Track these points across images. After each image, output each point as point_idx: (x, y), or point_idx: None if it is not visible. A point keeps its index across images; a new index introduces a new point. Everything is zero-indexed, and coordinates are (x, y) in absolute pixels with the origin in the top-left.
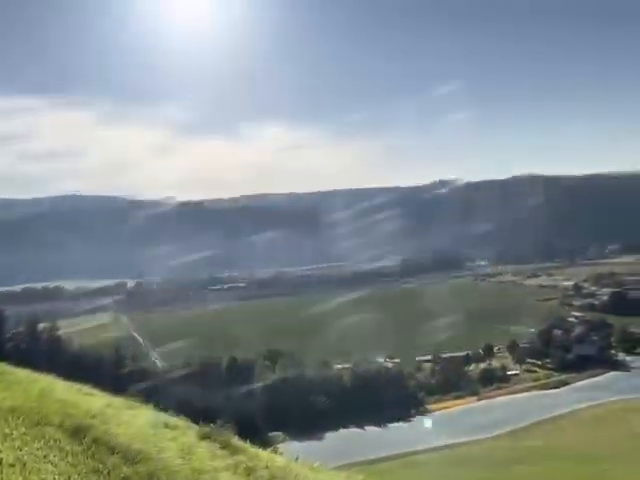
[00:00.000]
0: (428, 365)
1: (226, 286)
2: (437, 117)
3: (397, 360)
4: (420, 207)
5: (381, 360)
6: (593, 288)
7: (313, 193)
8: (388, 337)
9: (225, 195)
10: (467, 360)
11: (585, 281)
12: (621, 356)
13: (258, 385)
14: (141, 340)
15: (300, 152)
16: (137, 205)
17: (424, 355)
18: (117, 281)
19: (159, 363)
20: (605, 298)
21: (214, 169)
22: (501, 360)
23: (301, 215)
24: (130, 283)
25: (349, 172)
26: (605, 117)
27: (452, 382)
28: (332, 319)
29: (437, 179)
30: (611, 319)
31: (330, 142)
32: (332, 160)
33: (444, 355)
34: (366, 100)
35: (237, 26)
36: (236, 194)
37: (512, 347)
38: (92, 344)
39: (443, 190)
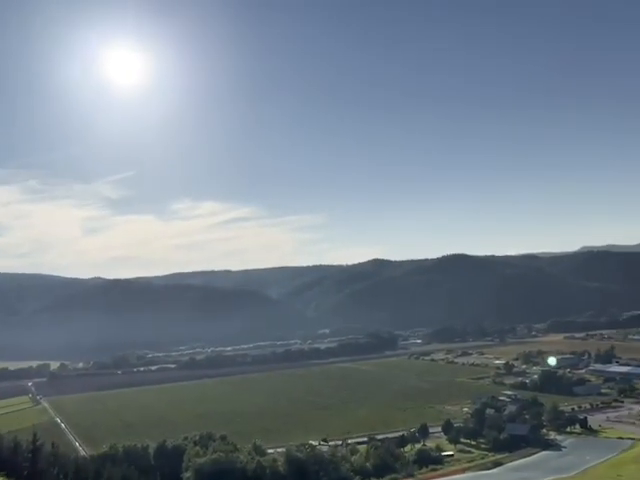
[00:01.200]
0: (363, 447)
1: (154, 367)
2: (371, 194)
3: (331, 443)
4: (357, 286)
5: (315, 443)
6: (523, 366)
7: (248, 271)
8: (322, 417)
9: (155, 273)
10: (402, 441)
11: (516, 359)
12: (552, 435)
13: (187, 473)
14: (63, 425)
15: (234, 229)
16: (62, 283)
17: (359, 436)
18: (40, 363)
19: (82, 449)
20: (535, 377)
21: (143, 247)
22: (436, 440)
23: (237, 293)
24: (53, 365)
25: (284, 250)
26: (538, 198)
27: (387, 464)
28: (267, 400)
29: (374, 258)
30: (542, 397)
31: (264, 219)
32: (266, 238)
33: (379, 436)
34: (301, 178)
35: (170, 105)
36: (167, 272)
37: (447, 427)
38: (10, 430)
39: (380, 269)
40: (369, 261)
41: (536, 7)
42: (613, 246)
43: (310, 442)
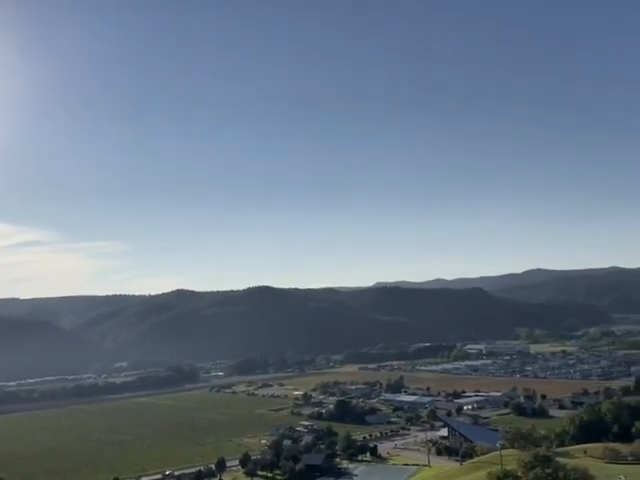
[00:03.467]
0: None
1: None
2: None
3: None
4: (159, 317)
5: None
6: (321, 397)
7: (38, 299)
8: (115, 455)
9: None
10: (199, 476)
11: (314, 390)
12: (345, 463)
13: None
14: None
15: (24, 254)
16: None
17: (154, 473)
18: None
19: None
20: (331, 407)
21: None
22: (234, 474)
23: (25, 323)
24: None
25: (80, 277)
26: (334, 234)
27: None
28: (54, 438)
29: (178, 288)
30: (337, 427)
31: (59, 244)
32: (60, 264)
33: (176, 472)
34: (101, 202)
35: None
36: None
37: (244, 460)
38: None
39: (184, 300)
40: (173, 291)
41: None
42: (403, 282)
43: None
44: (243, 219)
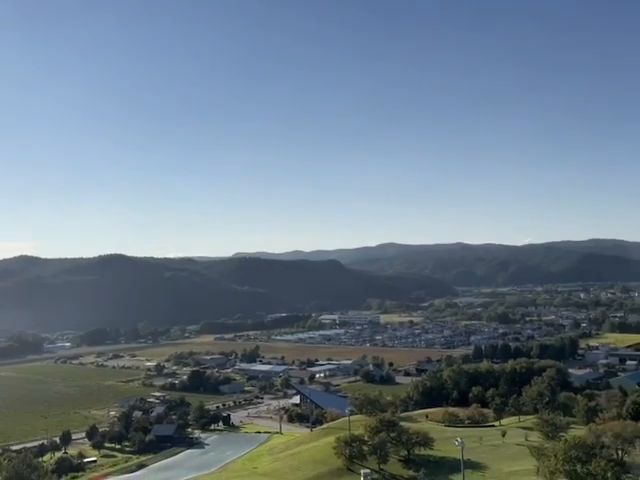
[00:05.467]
0: None
1: None
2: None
3: None
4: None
5: None
6: (174, 367)
7: None
8: None
9: None
10: (42, 450)
11: (167, 361)
12: (197, 433)
13: None
14: None
15: None
16: None
17: None
18: None
19: None
20: (185, 377)
21: None
22: (80, 447)
23: None
24: None
25: None
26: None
27: (23, 476)
28: None
29: (22, 254)
30: (190, 397)
31: None
32: None
33: (16, 447)
34: None
35: None
36: None
37: (91, 432)
38: None
39: (29, 267)
40: (16, 258)
41: None
42: (263, 253)
43: None
44: (94, 185)
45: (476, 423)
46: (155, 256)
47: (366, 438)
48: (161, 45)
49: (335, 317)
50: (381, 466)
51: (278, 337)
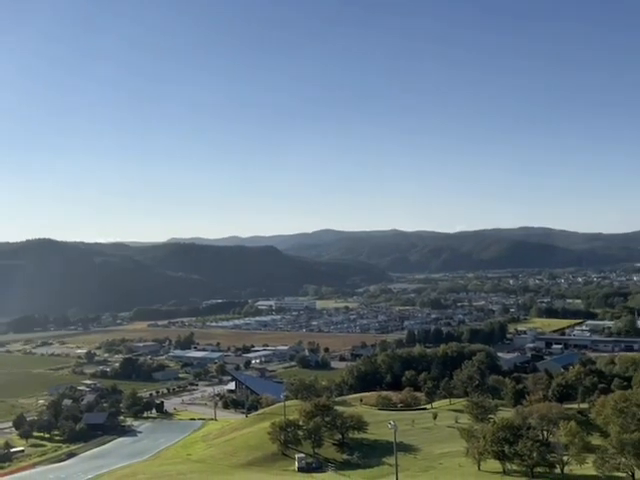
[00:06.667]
0: None
1: None
2: None
3: None
4: None
5: None
6: (106, 355)
7: None
8: None
9: None
10: None
11: (98, 348)
12: (129, 421)
13: None
14: None
15: None
16: None
17: None
18: None
19: None
20: (117, 365)
21: None
22: (6, 437)
23: None
24: None
25: None
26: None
27: None
28: None
29: None
30: (122, 385)
31: None
32: None
33: None
34: None
35: None
36: None
37: (18, 421)
38: None
39: None
40: None
41: None
42: (198, 239)
43: None
44: (21, 168)
45: (409, 406)
46: (86, 241)
47: (301, 423)
48: None
49: (271, 303)
50: (315, 450)
51: (213, 324)
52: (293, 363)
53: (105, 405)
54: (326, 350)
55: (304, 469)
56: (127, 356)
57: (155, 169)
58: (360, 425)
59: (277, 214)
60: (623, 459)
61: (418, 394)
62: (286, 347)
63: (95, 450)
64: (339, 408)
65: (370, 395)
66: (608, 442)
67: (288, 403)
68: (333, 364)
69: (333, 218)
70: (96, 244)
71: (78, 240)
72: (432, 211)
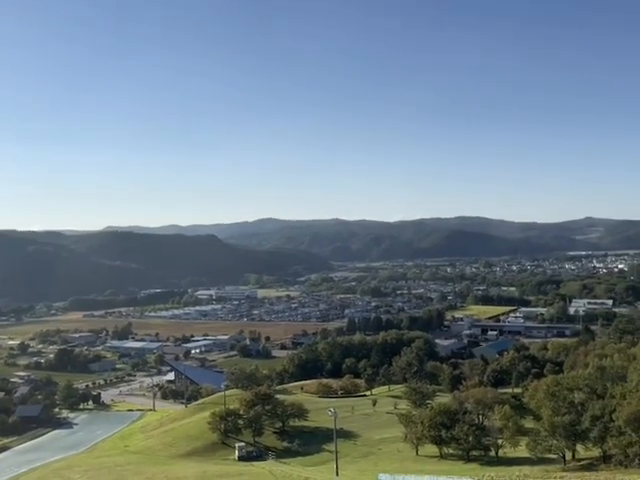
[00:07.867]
0: None
1: None
2: None
3: None
4: None
5: None
6: (40, 346)
7: None
8: None
9: None
10: None
11: (32, 339)
12: (65, 413)
13: None
14: None
15: None
16: None
17: None
18: None
19: None
20: (51, 356)
21: None
22: None
23: None
24: None
25: None
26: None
27: None
28: None
29: None
30: (57, 377)
31: None
32: None
33: None
34: None
35: None
36: None
37: None
38: None
39: None
40: None
41: None
42: (137, 227)
43: None
44: None
45: (349, 393)
46: (18, 229)
47: (241, 412)
48: None
49: (212, 293)
50: (256, 439)
51: (152, 314)
52: (234, 352)
53: (39, 397)
54: (267, 339)
55: (244, 458)
56: (62, 347)
57: (92, 157)
58: (300, 413)
59: (217, 203)
60: (555, 441)
61: (358, 381)
62: (227, 336)
63: (29, 443)
64: (280, 396)
65: (311, 383)
66: (540, 425)
67: (229, 393)
68: (274, 353)
69: (275, 207)
70: (29, 232)
71: (10, 228)
72: (374, 201)
